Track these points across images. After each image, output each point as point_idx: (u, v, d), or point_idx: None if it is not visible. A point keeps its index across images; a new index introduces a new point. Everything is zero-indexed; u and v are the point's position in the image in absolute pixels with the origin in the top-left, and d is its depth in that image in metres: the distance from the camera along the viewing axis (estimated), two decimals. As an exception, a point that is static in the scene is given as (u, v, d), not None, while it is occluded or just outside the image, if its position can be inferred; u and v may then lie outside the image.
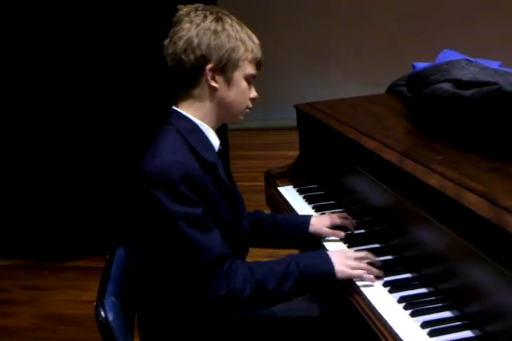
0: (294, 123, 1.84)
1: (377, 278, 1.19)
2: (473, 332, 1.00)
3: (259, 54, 1.18)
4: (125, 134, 2.48)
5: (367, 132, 1.44)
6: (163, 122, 1.18)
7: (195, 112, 1.16)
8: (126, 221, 2.34)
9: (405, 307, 1.09)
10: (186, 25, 1.13)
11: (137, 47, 2.39)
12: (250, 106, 1.21)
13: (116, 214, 2.54)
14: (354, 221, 1.41)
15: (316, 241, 1.37)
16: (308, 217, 1.39)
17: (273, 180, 1.78)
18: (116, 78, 2.40)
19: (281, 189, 1.72)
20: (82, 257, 2.60)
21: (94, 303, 1.09)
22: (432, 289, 1.13)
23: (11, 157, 2.53)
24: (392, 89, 1.83)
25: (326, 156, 1.66)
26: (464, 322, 1.03)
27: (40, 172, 2.53)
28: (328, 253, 1.18)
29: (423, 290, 1.14)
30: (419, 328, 1.03)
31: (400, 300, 1.11)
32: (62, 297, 2.33)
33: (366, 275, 1.16)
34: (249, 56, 1.16)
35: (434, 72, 1.41)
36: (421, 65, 1.59)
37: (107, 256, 1.26)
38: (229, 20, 1.15)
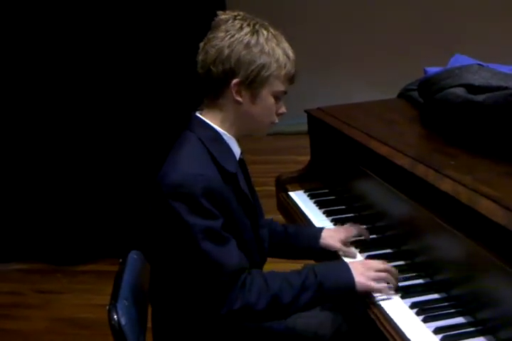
0: (304, 128, 1.85)
1: (388, 283, 1.18)
2: (487, 339, 1.00)
3: (292, 70, 1.13)
4: (138, 138, 2.49)
5: (378, 137, 1.43)
6: (183, 128, 1.16)
7: (218, 121, 1.14)
8: (141, 227, 2.37)
9: (417, 313, 1.08)
10: (221, 34, 1.09)
11: (153, 49, 2.41)
12: (276, 121, 1.17)
13: (128, 218, 2.55)
14: (366, 230, 1.38)
15: (326, 253, 1.33)
16: (319, 230, 1.36)
17: (284, 185, 1.78)
18: (125, 82, 2.42)
19: (292, 194, 1.72)
20: (94, 261, 2.61)
21: (107, 307, 1.10)
22: (444, 295, 1.13)
23: (26, 161, 2.55)
24: (403, 94, 1.82)
25: (337, 161, 1.66)
26: (477, 328, 1.02)
27: (53, 177, 2.55)
28: (349, 264, 1.15)
29: (435, 295, 1.13)
30: (432, 334, 1.02)
31: (412, 306, 1.10)
32: (76, 301, 2.34)
33: (387, 290, 1.12)
34: (281, 73, 1.11)
35: (446, 76, 1.40)
36: (433, 69, 1.59)
37: (120, 260, 1.27)
38: (265, 34, 1.10)
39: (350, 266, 1.13)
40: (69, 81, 2.42)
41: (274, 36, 1.12)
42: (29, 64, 2.41)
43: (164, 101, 2.51)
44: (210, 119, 1.15)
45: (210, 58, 1.10)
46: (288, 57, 1.13)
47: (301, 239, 1.34)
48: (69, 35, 2.37)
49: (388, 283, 1.14)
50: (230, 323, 1.11)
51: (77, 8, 2.34)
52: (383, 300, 1.13)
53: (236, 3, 3.04)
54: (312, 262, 1.41)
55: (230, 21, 1.11)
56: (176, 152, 1.12)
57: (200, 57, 1.13)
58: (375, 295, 1.14)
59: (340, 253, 1.31)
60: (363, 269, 1.13)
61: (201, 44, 1.14)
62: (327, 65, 4.05)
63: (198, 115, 1.16)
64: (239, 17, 1.12)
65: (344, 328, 1.27)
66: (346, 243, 1.33)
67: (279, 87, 1.14)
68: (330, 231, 1.36)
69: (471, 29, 3.81)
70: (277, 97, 1.15)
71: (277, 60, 1.11)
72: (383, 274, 1.14)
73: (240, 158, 1.20)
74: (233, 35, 1.09)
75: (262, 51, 1.10)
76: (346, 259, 1.28)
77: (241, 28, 1.10)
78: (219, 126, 1.15)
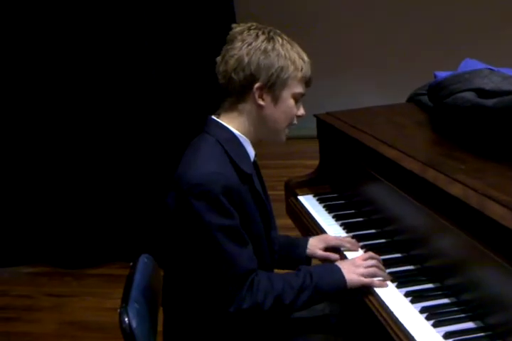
0: (313, 132, 1.85)
1: (399, 287, 1.19)
2: (497, 344, 0.99)
3: (308, 72, 1.19)
4: (149, 142, 2.50)
5: (388, 141, 1.44)
6: (198, 131, 1.20)
7: (236, 125, 1.18)
8: (155, 228, 2.38)
9: (427, 318, 1.08)
10: (238, 44, 1.15)
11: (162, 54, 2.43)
12: (295, 122, 1.22)
13: (138, 221, 2.56)
14: (354, 240, 1.39)
15: (310, 263, 1.37)
16: (306, 240, 1.39)
17: (293, 189, 1.79)
18: (134, 85, 2.43)
19: (301, 198, 1.72)
20: (104, 264, 2.62)
21: (118, 310, 1.11)
22: (454, 299, 1.13)
23: (35, 165, 2.57)
24: (413, 99, 1.82)
25: (347, 165, 1.66)
26: (487, 333, 1.02)
27: (63, 181, 2.56)
28: (338, 263, 1.21)
29: (445, 300, 1.13)
30: (442, 339, 1.02)
31: (422, 311, 1.10)
32: (85, 304, 2.35)
33: (377, 282, 1.18)
34: (299, 75, 1.17)
35: (456, 81, 1.41)
36: (443, 74, 1.59)
37: (131, 263, 1.28)
38: (280, 40, 1.16)
39: (340, 266, 1.19)
40: (79, 83, 2.43)
41: (288, 42, 1.18)
42: (40, 64, 2.42)
43: (173, 105, 2.53)
44: (227, 122, 1.19)
45: (231, 67, 1.15)
46: (303, 60, 1.19)
47: (291, 248, 1.37)
48: (86, 38, 2.38)
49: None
50: (238, 322, 1.13)
51: (97, 11, 2.35)
52: (392, 303, 1.13)
53: (246, 8, 3.06)
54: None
55: (245, 32, 1.17)
56: (194, 152, 1.16)
57: (220, 69, 1.18)
58: (381, 293, 1.15)
59: (322, 258, 1.35)
60: (352, 267, 1.19)
61: (219, 57, 1.19)
62: (336, 70, 4.05)
63: (215, 118, 1.20)
64: (253, 27, 1.18)
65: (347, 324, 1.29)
66: (331, 251, 1.36)
67: (298, 88, 1.19)
68: (313, 240, 1.39)
69: (481, 33, 3.79)
70: (296, 99, 1.20)
71: (294, 62, 1.16)
72: (372, 269, 1.20)
73: (254, 161, 1.23)
74: (250, 44, 1.15)
75: (279, 55, 1.15)
76: (351, 255, 1.32)
77: (257, 36, 1.16)
78: (235, 129, 1.18)
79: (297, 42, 1.21)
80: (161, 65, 2.45)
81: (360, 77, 4.08)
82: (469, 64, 1.62)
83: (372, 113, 1.80)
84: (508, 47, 3.70)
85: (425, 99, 1.66)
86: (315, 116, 1.81)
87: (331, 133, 1.73)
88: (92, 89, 2.44)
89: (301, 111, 1.22)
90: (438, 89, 1.48)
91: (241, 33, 1.17)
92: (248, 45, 1.14)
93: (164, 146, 2.49)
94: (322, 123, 1.79)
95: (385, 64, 3.99)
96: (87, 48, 2.40)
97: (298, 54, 1.18)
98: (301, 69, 1.17)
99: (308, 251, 1.36)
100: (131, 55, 2.39)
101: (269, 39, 1.15)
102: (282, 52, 1.15)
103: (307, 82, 1.20)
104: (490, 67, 1.47)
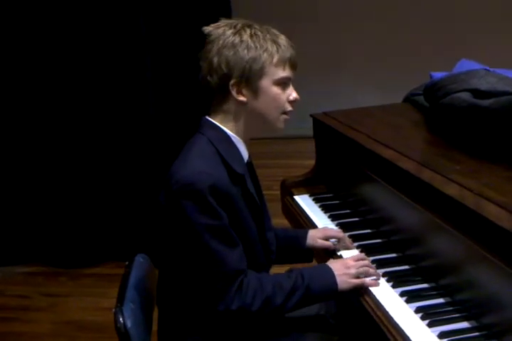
0: (310, 132, 1.85)
1: (394, 287, 1.19)
2: (492, 344, 1.00)
3: (287, 54, 1.14)
4: (144, 141, 2.50)
5: (384, 141, 1.44)
6: (192, 132, 1.20)
7: (227, 125, 1.17)
8: (149, 226, 2.38)
9: (422, 318, 1.08)
10: (208, 46, 1.14)
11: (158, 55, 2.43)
12: (289, 109, 1.18)
13: (133, 221, 2.56)
14: (349, 240, 1.39)
15: (311, 255, 1.39)
16: (306, 231, 1.40)
17: (289, 189, 1.79)
18: (133, 86, 2.43)
19: (297, 198, 1.72)
20: (100, 264, 2.62)
21: (113, 310, 1.11)
22: (449, 299, 1.13)
23: (29, 163, 2.56)
24: (409, 99, 1.83)
25: (343, 165, 1.66)
26: (482, 332, 1.02)
27: (59, 180, 2.55)
28: (330, 264, 1.20)
29: (440, 300, 1.13)
30: (437, 339, 1.02)
31: (417, 311, 1.10)
32: (81, 304, 2.34)
33: (368, 282, 1.18)
34: (274, 60, 1.13)
35: (452, 81, 1.41)
36: (439, 74, 1.59)
37: (126, 263, 1.28)
38: (248, 31, 1.13)
39: (332, 267, 1.18)
40: (73, 84, 2.42)
41: (260, 31, 1.14)
42: (31, 65, 2.41)
43: (170, 105, 2.52)
44: (220, 122, 1.18)
45: (205, 71, 1.15)
46: (278, 44, 1.14)
47: (290, 240, 1.37)
48: (77, 39, 2.38)
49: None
50: (227, 321, 1.14)
51: (86, 10, 2.35)
52: (387, 303, 1.13)
53: (243, 7, 3.06)
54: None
55: (213, 32, 1.15)
56: (186, 152, 1.16)
57: (200, 75, 1.17)
58: (376, 294, 1.15)
59: (320, 247, 1.37)
60: (344, 269, 1.18)
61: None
62: (333, 70, 4.06)
63: (209, 118, 1.19)
64: (222, 24, 1.15)
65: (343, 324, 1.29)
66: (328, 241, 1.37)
67: (279, 73, 1.15)
68: (312, 231, 1.40)
69: (478, 34, 3.80)
70: (283, 84, 1.16)
71: (266, 50, 1.13)
72: (363, 269, 1.19)
73: (248, 162, 1.22)
74: (218, 43, 1.13)
75: (247, 47, 1.12)
76: (346, 254, 1.33)
77: (224, 33, 1.13)
78: (228, 129, 1.18)
79: (295, 42, 1.18)
80: (156, 65, 2.44)
81: (357, 77, 4.08)
82: (465, 64, 1.63)
83: (369, 113, 1.80)
84: (505, 48, 3.70)
85: (421, 99, 1.67)
86: (311, 116, 1.82)
87: (328, 133, 1.73)
88: (87, 90, 2.43)
89: (293, 96, 1.17)
90: (434, 90, 1.49)
91: (210, 34, 1.14)
92: (216, 45, 1.12)
93: (160, 146, 2.49)
94: (318, 123, 1.79)
95: (382, 64, 3.99)
96: (81, 47, 2.39)
97: (272, 40, 1.13)
98: (277, 52, 1.13)
99: (308, 241, 1.36)
100: (126, 55, 2.39)
101: (236, 33, 1.12)
102: (251, 43, 1.11)
103: (291, 64, 1.15)
104: (486, 67, 1.47)
